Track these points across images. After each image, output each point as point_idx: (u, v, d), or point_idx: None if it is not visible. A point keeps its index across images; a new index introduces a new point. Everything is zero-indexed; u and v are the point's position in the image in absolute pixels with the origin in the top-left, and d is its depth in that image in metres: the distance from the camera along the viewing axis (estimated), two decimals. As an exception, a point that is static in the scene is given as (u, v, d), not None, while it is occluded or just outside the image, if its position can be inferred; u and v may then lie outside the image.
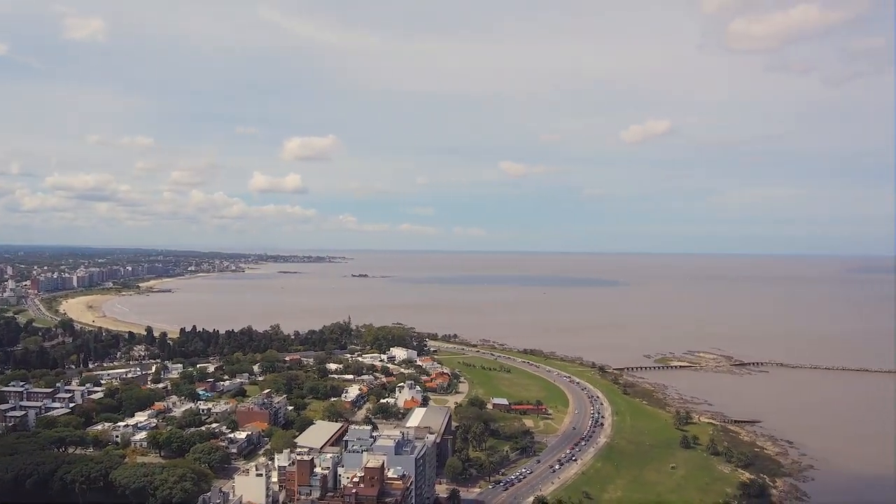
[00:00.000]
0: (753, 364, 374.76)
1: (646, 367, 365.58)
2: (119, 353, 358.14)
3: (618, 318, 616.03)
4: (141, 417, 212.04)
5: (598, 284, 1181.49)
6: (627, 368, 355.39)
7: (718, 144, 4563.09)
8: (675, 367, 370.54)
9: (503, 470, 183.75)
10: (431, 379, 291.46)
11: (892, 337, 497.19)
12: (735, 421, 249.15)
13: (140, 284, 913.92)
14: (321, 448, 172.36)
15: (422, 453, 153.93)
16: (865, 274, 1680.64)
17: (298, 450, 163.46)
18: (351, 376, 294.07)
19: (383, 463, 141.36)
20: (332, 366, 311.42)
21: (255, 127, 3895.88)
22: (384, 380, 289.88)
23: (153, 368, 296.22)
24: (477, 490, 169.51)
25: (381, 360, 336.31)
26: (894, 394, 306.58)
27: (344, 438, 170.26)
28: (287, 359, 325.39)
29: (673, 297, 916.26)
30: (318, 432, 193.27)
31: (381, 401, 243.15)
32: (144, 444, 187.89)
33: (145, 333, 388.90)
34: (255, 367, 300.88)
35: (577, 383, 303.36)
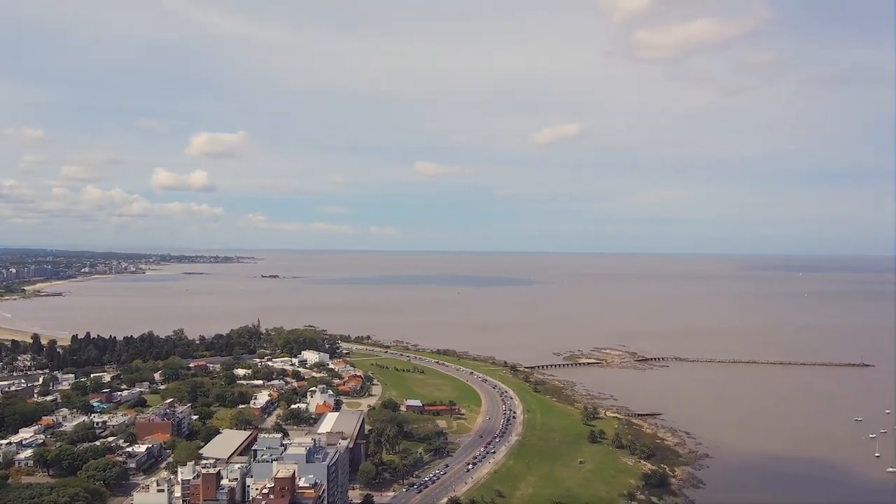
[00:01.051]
0: (655, 359, 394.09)
1: (556, 365, 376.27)
2: (0, 363, 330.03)
3: (530, 317, 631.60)
4: (26, 434, 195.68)
5: (511, 284, 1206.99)
6: (538, 366, 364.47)
7: (626, 148, 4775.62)
8: (583, 364, 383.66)
9: (417, 472, 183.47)
10: (344, 382, 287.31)
11: (778, 330, 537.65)
12: (638, 414, 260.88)
13: (26, 287, 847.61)
14: (228, 459, 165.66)
15: (334, 460, 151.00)
16: (757, 272, 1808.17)
17: (204, 462, 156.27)
18: (260, 382, 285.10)
19: (294, 472, 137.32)
20: (241, 371, 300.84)
21: (158, 121, 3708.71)
22: (295, 385, 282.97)
23: (40, 380, 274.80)
24: (391, 494, 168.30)
25: (292, 365, 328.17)
26: (779, 383, 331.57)
27: (253, 448, 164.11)
28: (192, 365, 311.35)
29: (582, 295, 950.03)
30: (226, 442, 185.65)
31: (293, 406, 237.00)
32: (30, 462, 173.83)
33: (31, 341, 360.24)
34: (157, 376, 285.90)
35: (490, 382, 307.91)
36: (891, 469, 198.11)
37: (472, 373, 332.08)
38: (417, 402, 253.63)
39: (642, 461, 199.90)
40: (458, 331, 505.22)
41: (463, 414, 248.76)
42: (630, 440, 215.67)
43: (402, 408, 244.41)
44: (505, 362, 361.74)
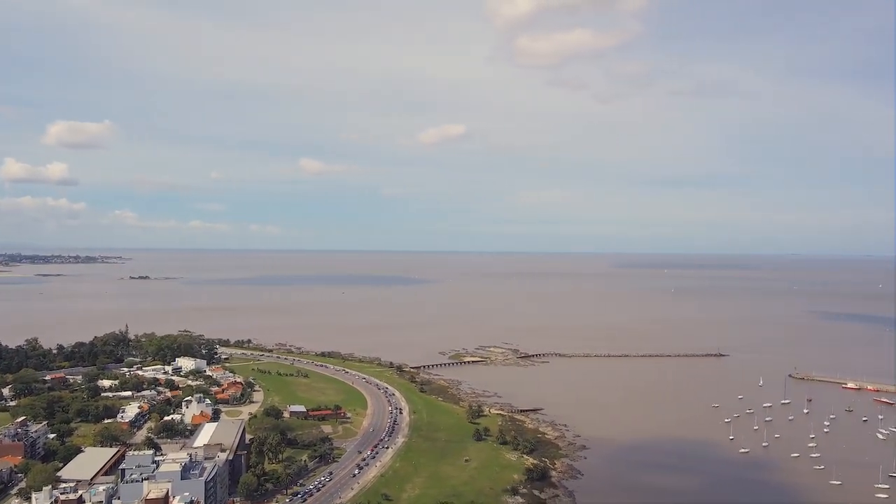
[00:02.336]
0: (536, 356, 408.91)
1: (441, 364, 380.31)
2: None
3: (416, 316, 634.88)
4: None
5: (398, 283, 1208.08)
6: (424, 366, 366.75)
7: (508, 150, 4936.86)
8: (468, 362, 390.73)
9: (301, 481, 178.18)
10: (223, 389, 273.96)
11: (647, 324, 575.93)
12: (521, 410, 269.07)
13: None
14: (92, 480, 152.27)
15: (212, 474, 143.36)
16: (628, 269, 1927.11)
17: (63, 485, 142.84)
18: (129, 393, 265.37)
19: (168, 491, 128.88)
20: (106, 383, 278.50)
21: (8, 106, 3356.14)
22: (169, 394, 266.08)
23: None
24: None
25: (164, 373, 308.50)
26: (648, 375, 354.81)
27: (120, 466, 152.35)
28: (48, 378, 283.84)
29: (468, 294, 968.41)
30: (88, 462, 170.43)
31: (166, 418, 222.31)
32: None
33: None
34: (6, 391, 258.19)
35: (376, 384, 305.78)
36: (742, 450, 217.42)
37: (357, 375, 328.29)
38: (301, 408, 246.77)
39: (525, 456, 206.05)
40: (344, 332, 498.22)
41: (349, 418, 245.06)
42: (513, 436, 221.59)
43: (286, 414, 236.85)
44: (391, 363, 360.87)
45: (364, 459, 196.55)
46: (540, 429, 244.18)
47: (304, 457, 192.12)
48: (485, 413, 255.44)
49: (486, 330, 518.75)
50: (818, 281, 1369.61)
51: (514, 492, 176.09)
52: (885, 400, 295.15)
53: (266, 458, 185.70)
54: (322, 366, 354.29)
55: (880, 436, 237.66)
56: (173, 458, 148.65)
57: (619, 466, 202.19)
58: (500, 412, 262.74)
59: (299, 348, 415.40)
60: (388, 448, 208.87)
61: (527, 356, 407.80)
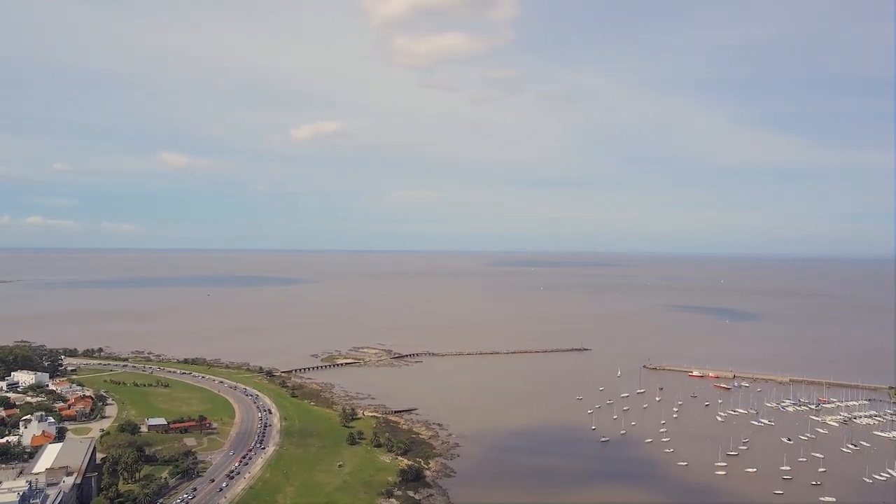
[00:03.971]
0: (410, 356, 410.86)
1: (314, 367, 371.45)
2: None
3: (288, 318, 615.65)
4: None
5: (270, 283, 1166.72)
6: (296, 370, 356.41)
7: (384, 148, 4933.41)
8: (342, 364, 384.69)
9: (161, 500, 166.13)
10: (69, 405, 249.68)
11: (517, 320, 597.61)
12: (395, 411, 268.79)
13: None
14: None
15: (57, 501, 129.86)
16: (500, 267, 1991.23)
17: None
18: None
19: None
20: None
21: None
22: (3, 414, 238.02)
23: None
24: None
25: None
26: (517, 370, 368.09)
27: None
28: None
29: (342, 294, 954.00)
30: None
31: (0, 441, 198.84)
32: None
33: None
34: None
35: (244, 391, 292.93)
36: (603, 439, 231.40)
37: (224, 382, 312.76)
38: (161, 421, 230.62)
39: (399, 457, 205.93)
40: (209, 337, 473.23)
41: (214, 428, 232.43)
42: (388, 438, 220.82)
43: (144, 428, 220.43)
44: (261, 368, 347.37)
45: (232, 472, 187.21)
46: (414, 429, 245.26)
47: (165, 473, 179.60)
48: (359, 416, 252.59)
49: (360, 330, 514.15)
50: (673, 277, 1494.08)
51: (389, 494, 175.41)
52: (723, 385, 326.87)
53: (121, 479, 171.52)
54: (185, 374, 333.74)
55: (719, 418, 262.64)
56: (9, 486, 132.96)
57: (491, 462, 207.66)
58: (374, 414, 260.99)
59: (159, 356, 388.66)
60: (257, 458, 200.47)
61: (401, 356, 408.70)
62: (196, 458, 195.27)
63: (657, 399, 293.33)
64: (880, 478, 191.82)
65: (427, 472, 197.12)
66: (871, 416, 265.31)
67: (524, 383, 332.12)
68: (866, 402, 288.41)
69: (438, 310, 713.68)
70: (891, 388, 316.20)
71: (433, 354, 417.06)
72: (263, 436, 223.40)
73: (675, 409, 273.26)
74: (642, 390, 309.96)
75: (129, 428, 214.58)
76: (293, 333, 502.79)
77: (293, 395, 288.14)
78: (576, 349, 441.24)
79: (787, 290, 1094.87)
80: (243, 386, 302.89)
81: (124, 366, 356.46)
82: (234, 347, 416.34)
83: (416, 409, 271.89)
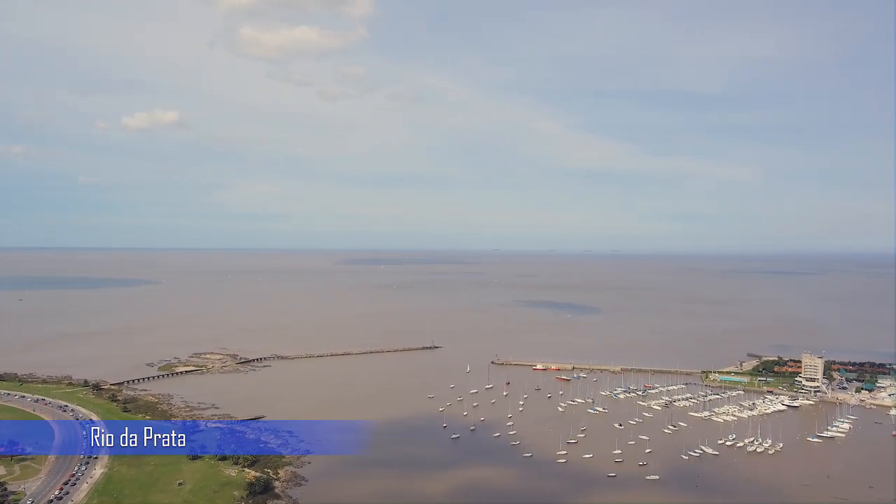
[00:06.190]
0: (257, 360, 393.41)
1: (149, 378, 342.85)
2: None
3: (119, 322, 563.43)
4: None
5: (102, 285, 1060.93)
6: (128, 381, 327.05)
7: (228, 140, 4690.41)
8: (181, 372, 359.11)
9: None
10: None
11: (367, 319, 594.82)
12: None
13: None
14: None
15: None
16: (349, 265, 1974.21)
17: None
18: None
19: None
20: None
21: None
22: None
23: None
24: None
25: None
26: (369, 371, 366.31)
27: None
28: None
29: (184, 295, 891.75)
30: None
31: None
32: None
33: None
34: None
35: (65, 408, 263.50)
36: (454, 436, 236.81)
37: (40, 399, 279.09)
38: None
39: (246, 469, 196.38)
40: (21, 347, 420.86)
41: (28, 454, 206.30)
42: (233, 450, 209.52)
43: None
44: (86, 381, 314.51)
45: (50, 501, 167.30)
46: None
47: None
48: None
49: (202, 334, 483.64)
50: (522, 273, 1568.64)
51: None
52: (563, 377, 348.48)
53: None
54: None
55: (560, 409, 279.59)
56: None
57: (341, 465, 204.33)
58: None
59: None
60: (82, 484, 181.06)
61: (247, 361, 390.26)
62: (6, 489, 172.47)
63: (504, 394, 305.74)
64: (694, 454, 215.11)
65: (276, 483, 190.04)
66: (686, 399, 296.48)
67: (376, 384, 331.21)
68: (683, 386, 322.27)
69: (286, 310, 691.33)
70: (703, 372, 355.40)
71: (282, 358, 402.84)
72: (88, 458, 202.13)
73: (521, 403, 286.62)
74: (490, 385, 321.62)
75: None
76: (125, 340, 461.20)
77: (125, 410, 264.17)
78: (427, 347, 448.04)
79: (620, 284, 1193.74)
80: (63, 402, 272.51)
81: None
82: (52, 358, 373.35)
83: (263, 417, 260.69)
